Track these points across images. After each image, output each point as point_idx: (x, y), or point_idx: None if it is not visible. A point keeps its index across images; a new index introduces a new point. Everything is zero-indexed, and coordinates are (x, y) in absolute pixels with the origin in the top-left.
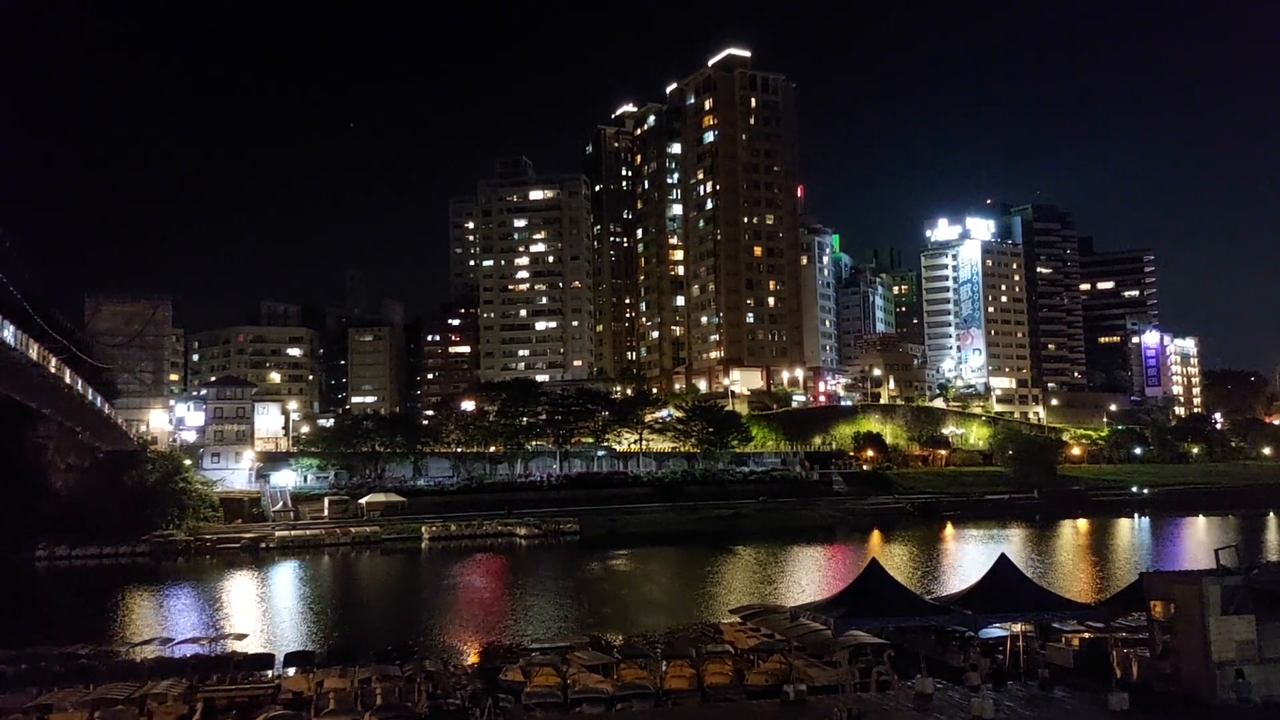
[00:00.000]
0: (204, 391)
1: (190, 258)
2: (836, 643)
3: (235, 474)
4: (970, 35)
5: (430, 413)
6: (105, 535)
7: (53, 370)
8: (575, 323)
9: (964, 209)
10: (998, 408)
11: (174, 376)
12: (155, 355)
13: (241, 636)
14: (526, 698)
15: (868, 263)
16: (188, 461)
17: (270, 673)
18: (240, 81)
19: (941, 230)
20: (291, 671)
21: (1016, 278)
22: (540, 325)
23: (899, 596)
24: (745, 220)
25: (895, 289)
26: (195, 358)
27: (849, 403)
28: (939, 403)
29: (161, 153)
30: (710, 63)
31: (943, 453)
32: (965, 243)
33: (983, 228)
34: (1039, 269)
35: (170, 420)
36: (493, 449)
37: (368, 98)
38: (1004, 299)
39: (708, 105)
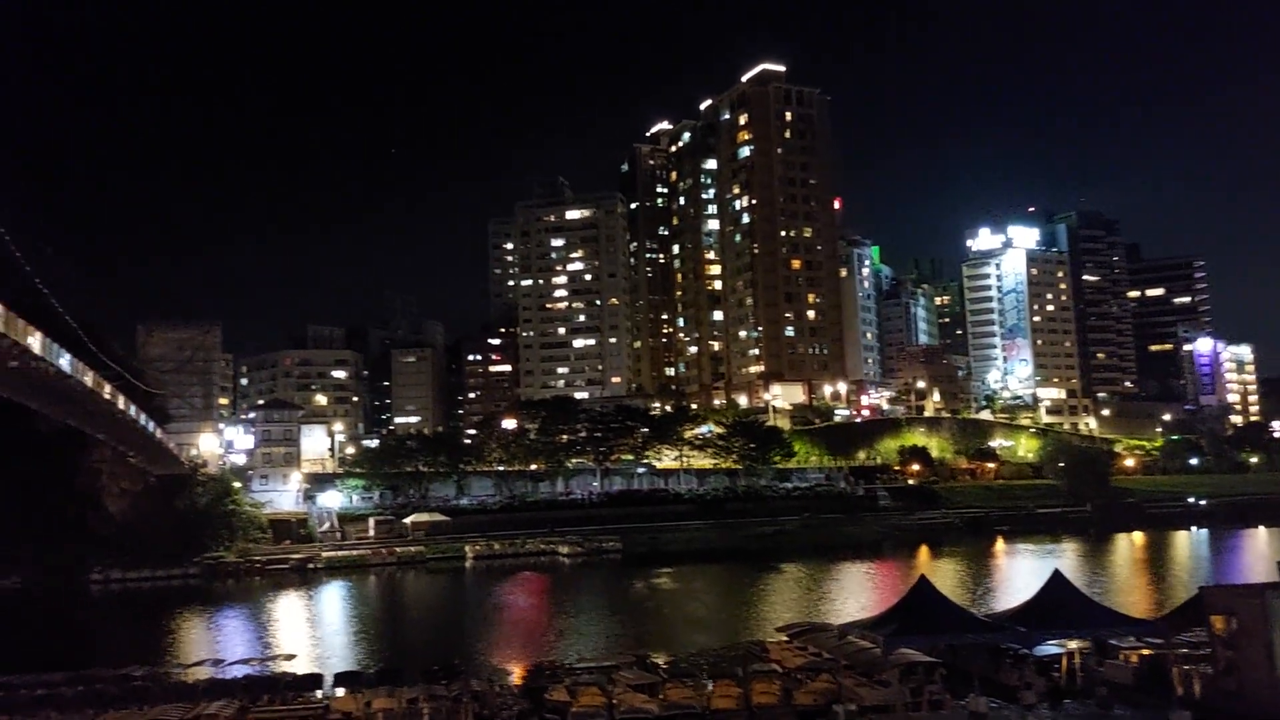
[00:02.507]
0: (252, 415)
1: (238, 283)
2: (886, 661)
3: (283, 495)
4: (1010, 41)
5: (472, 432)
6: (157, 558)
7: (107, 396)
8: (613, 340)
9: (1006, 217)
10: (1047, 419)
11: (223, 400)
12: (205, 380)
13: (291, 657)
14: (572, 717)
15: (909, 274)
16: (237, 484)
17: (319, 693)
18: (285, 110)
19: (983, 239)
20: (340, 692)
21: (1062, 286)
22: (579, 343)
23: (950, 613)
24: (783, 234)
25: (937, 300)
26: (244, 381)
27: (893, 416)
28: (986, 415)
29: (209, 181)
30: (744, 78)
31: (991, 466)
32: (1008, 251)
33: (1026, 236)
34: (1085, 277)
35: (220, 443)
36: (534, 467)
37: (407, 123)
38: (1050, 308)
39: (742, 120)
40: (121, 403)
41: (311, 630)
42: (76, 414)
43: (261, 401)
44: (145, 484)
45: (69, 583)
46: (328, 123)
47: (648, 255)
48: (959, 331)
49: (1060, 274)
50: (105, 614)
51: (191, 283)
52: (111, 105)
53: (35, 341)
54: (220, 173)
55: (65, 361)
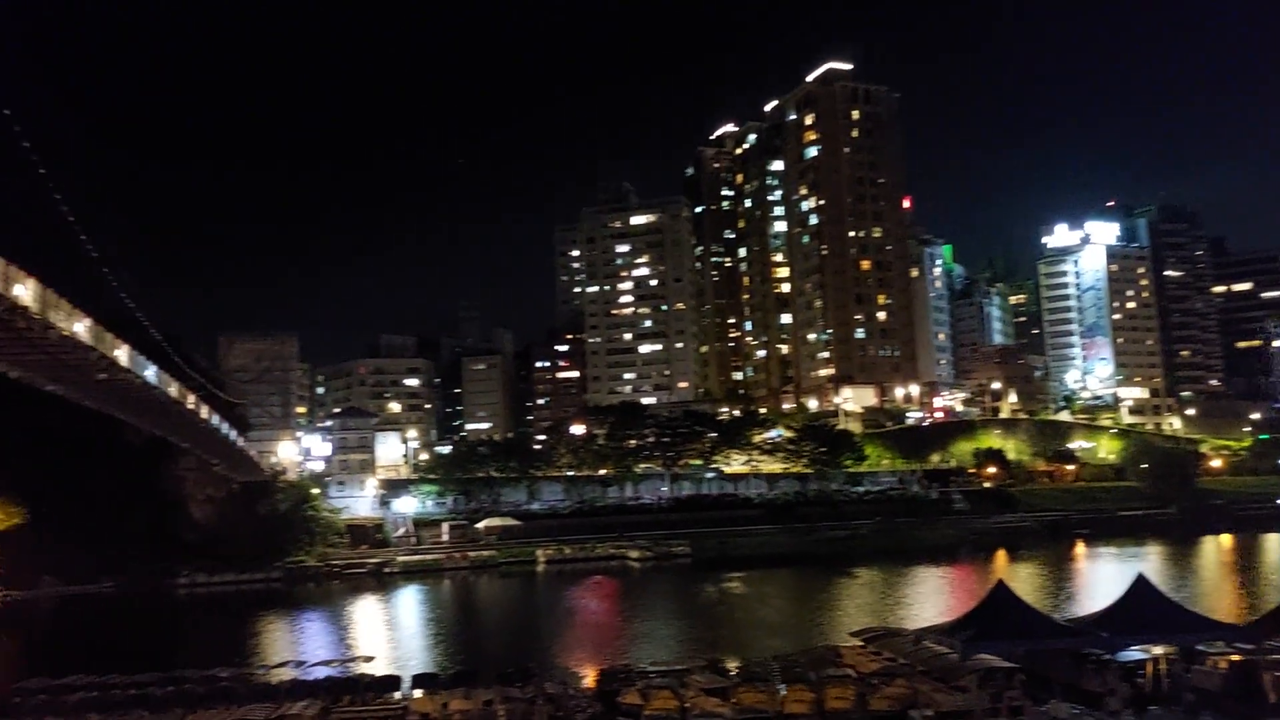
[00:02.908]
0: (329, 422)
1: (314, 296)
2: (964, 666)
3: (359, 501)
4: (1085, 30)
5: (541, 437)
6: (241, 562)
7: (190, 406)
8: (680, 345)
9: (1083, 213)
10: (1128, 419)
11: (301, 409)
12: (283, 389)
13: (370, 659)
14: None
15: (982, 273)
16: (315, 490)
17: (398, 694)
18: (356, 125)
19: (1060, 236)
20: (418, 693)
21: (1144, 282)
22: (645, 348)
23: (1029, 618)
24: (851, 234)
25: (1012, 299)
26: (320, 390)
27: (967, 418)
28: (1064, 416)
29: (285, 198)
30: (810, 78)
31: (1070, 468)
32: (1086, 248)
33: (1105, 231)
34: (1168, 272)
35: (298, 451)
36: (603, 472)
37: (474, 133)
38: (1131, 305)
39: (808, 120)
40: (204, 412)
41: (389, 633)
42: (162, 424)
43: (338, 409)
44: (228, 491)
45: (157, 587)
46: (396, 136)
47: (713, 259)
48: (1035, 331)
49: (1141, 270)
50: (192, 617)
51: (270, 296)
52: (190, 121)
53: (122, 354)
54: (294, 189)
55: (150, 373)
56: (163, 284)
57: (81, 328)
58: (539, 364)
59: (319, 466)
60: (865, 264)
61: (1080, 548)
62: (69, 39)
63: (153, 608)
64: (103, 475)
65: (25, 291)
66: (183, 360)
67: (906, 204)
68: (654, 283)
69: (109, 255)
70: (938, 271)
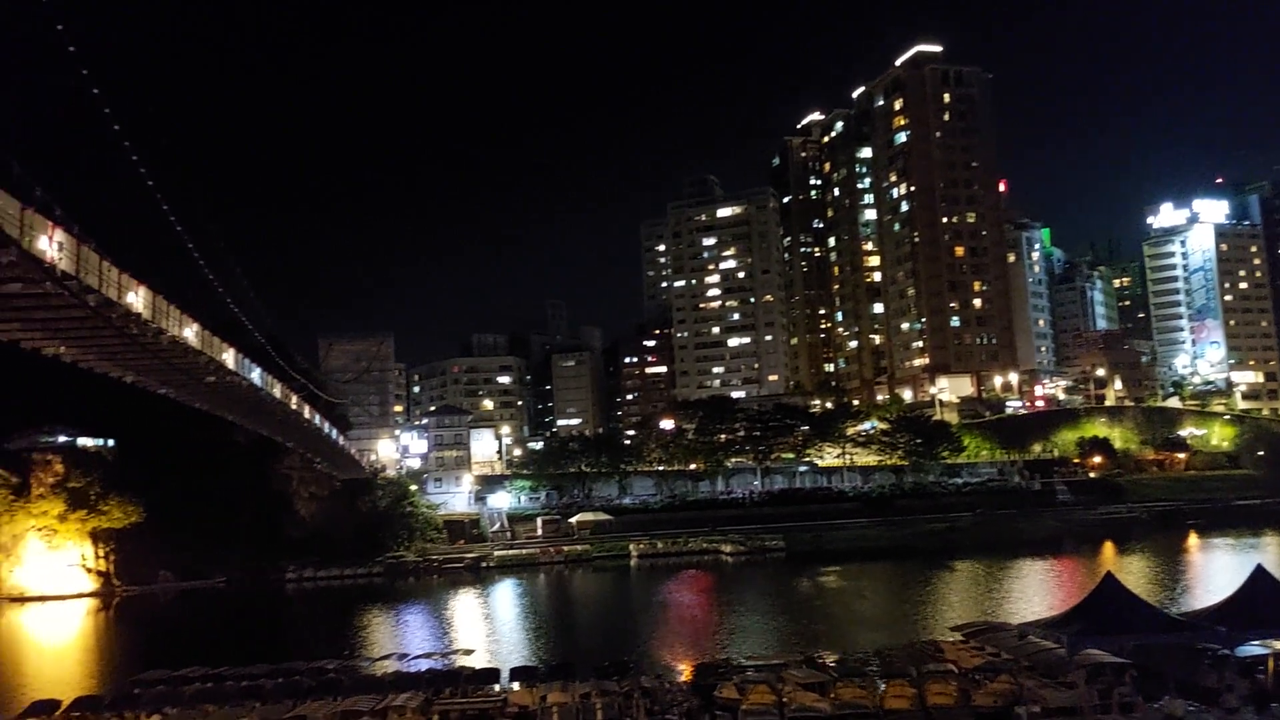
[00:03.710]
0: (425, 420)
1: (407, 297)
2: (1072, 662)
3: (456, 497)
4: (1185, 3)
5: (631, 432)
6: (344, 557)
7: (293, 406)
8: (769, 337)
9: (1190, 191)
10: (1242, 405)
11: (398, 408)
12: (381, 389)
13: (469, 652)
14: (743, 715)
15: (1083, 256)
16: (413, 487)
17: (497, 687)
18: (441, 129)
19: (1165, 215)
20: (516, 686)
21: (1257, 261)
22: (734, 342)
23: (1140, 612)
24: (944, 220)
25: (1116, 282)
26: (416, 389)
27: (1070, 406)
28: (1173, 402)
29: (379, 202)
30: (898, 62)
31: (1180, 456)
32: (1194, 227)
33: (1214, 210)
34: None
35: (396, 449)
36: (693, 466)
37: (559, 132)
38: (1243, 285)
39: (897, 105)
40: (307, 412)
41: (487, 626)
42: (268, 424)
43: (433, 408)
44: (331, 488)
45: (267, 581)
46: (481, 136)
47: (802, 250)
48: (1141, 315)
49: (1254, 248)
50: (299, 610)
51: (365, 297)
52: (288, 129)
53: (229, 357)
54: (387, 193)
55: (256, 375)
56: (264, 288)
57: (190, 332)
58: (627, 360)
59: (416, 464)
60: (959, 250)
61: (1193, 539)
62: (167, 39)
63: (262, 601)
64: (214, 475)
65: (137, 299)
66: (285, 362)
67: (1002, 187)
68: (741, 275)
69: (213, 262)
70: (1036, 256)
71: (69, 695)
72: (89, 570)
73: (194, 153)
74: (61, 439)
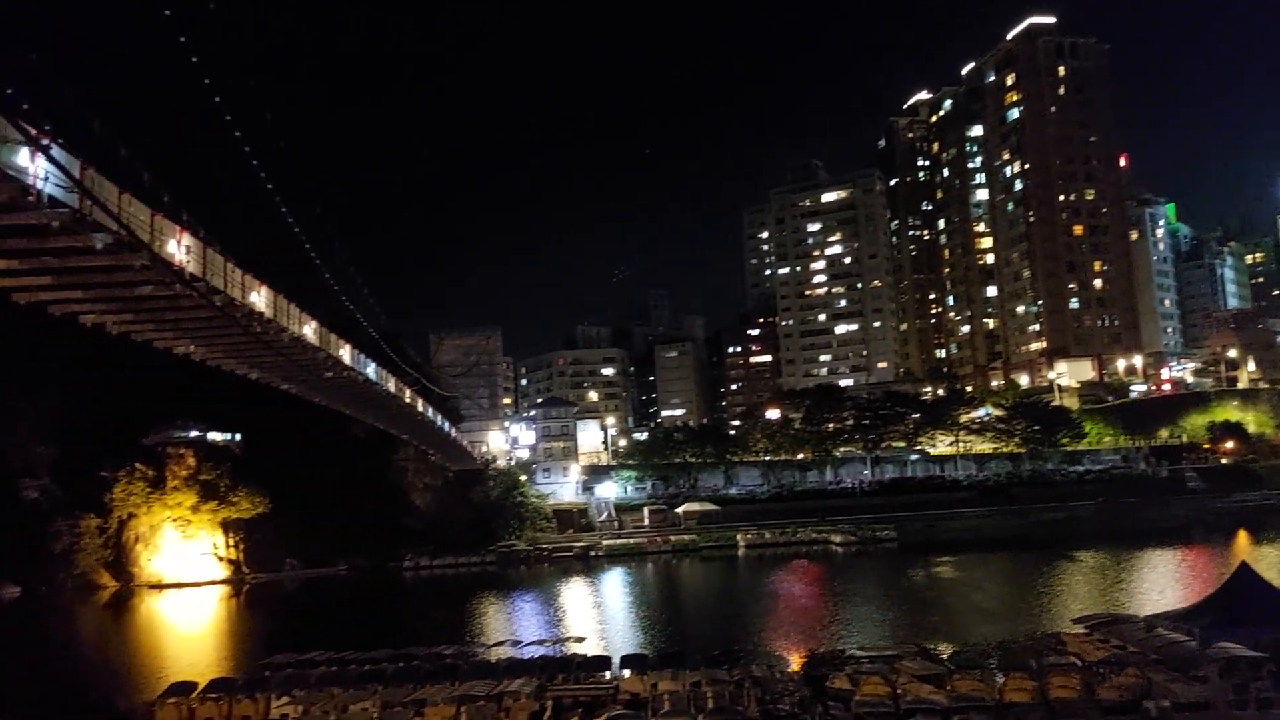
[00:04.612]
0: (533, 412)
1: (513, 291)
2: (1204, 655)
3: (563, 487)
4: None
5: (736, 422)
6: (458, 546)
7: (407, 400)
8: (877, 324)
9: None
10: None
11: (507, 400)
12: (490, 382)
13: (581, 639)
14: (856, 705)
15: (1212, 231)
16: (523, 477)
17: (608, 674)
18: (544, 125)
19: None
20: (627, 673)
21: None
22: (840, 329)
23: (1278, 603)
24: (1061, 198)
25: (1248, 258)
26: (523, 382)
27: (1200, 390)
28: None
29: (486, 199)
30: (1009, 36)
31: None
32: None
33: None
34: None
35: (506, 440)
36: (800, 456)
37: (659, 120)
38: None
39: (1009, 81)
40: (420, 405)
41: (597, 614)
42: (383, 417)
43: (540, 400)
44: (444, 479)
45: (385, 569)
46: (583, 129)
47: (910, 233)
48: (1276, 292)
49: None
50: (417, 598)
51: (474, 293)
52: (396, 128)
53: (345, 353)
54: (493, 189)
55: (371, 370)
56: (378, 286)
57: (309, 330)
58: (730, 349)
59: (525, 455)
60: (1077, 229)
61: None
62: (277, 37)
63: (382, 588)
64: (334, 467)
65: (260, 299)
66: (398, 357)
67: (1122, 162)
68: (848, 260)
69: (330, 262)
70: (1160, 233)
71: (205, 677)
72: (220, 558)
73: (307, 154)
74: (193, 434)
